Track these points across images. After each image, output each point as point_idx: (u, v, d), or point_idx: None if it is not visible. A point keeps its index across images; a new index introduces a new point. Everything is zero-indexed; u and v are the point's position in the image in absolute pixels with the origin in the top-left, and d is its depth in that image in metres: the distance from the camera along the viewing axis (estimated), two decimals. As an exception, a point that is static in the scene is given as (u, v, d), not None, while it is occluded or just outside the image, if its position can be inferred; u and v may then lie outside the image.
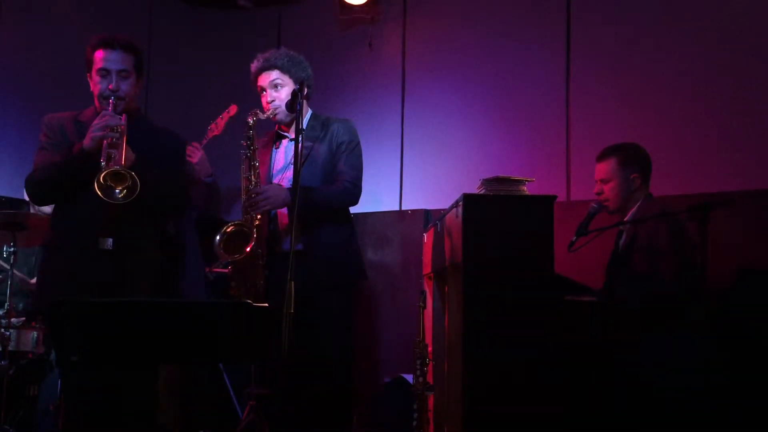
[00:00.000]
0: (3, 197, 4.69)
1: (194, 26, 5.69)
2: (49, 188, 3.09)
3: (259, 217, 3.36)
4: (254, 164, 3.40)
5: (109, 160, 2.89)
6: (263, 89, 3.48)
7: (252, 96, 5.59)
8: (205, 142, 4.45)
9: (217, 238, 3.36)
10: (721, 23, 4.07)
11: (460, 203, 2.95)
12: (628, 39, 4.33)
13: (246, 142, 3.40)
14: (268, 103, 3.45)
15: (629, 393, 3.05)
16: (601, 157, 3.54)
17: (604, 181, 3.51)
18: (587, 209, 3.56)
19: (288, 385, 3.44)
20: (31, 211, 4.35)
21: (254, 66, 3.51)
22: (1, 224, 3.76)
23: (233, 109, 4.51)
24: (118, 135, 2.95)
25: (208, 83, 5.58)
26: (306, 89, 3.40)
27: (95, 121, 2.99)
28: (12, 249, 3.76)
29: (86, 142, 2.97)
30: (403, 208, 4.89)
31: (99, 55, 3.12)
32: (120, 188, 2.87)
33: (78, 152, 2.99)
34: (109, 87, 3.09)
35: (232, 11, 5.65)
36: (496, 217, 2.93)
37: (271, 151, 3.55)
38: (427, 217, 4.63)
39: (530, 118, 4.61)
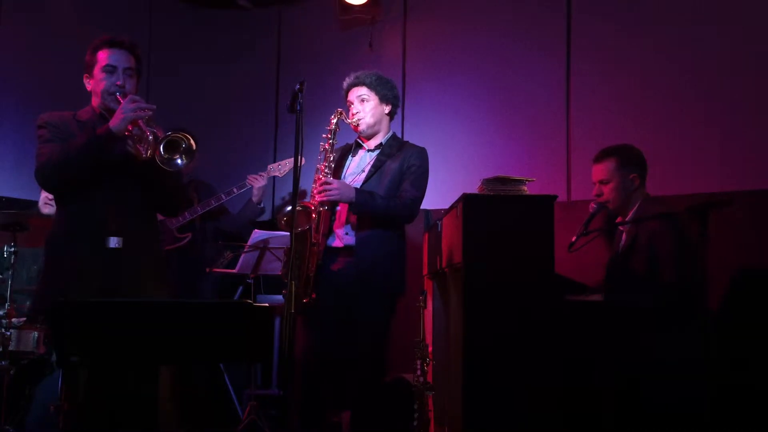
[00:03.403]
0: (3, 197, 4.69)
1: (194, 26, 5.69)
2: (67, 171, 3.00)
3: (326, 207, 3.53)
4: (330, 156, 3.58)
5: (154, 135, 2.88)
6: (351, 103, 3.71)
7: (252, 95, 5.62)
8: (266, 175, 4.68)
9: (284, 217, 3.50)
10: (721, 23, 4.07)
11: (461, 203, 2.95)
12: (628, 39, 4.33)
13: (328, 135, 3.59)
14: (353, 114, 3.68)
15: (630, 393, 3.05)
16: (599, 158, 3.55)
17: (603, 182, 3.51)
18: (587, 209, 3.56)
19: (313, 383, 3.50)
20: (44, 212, 4.36)
21: (346, 82, 3.74)
22: (2, 224, 3.76)
23: (301, 161, 4.78)
24: (151, 113, 2.94)
25: (208, 83, 5.59)
26: (390, 107, 3.70)
27: (122, 105, 2.96)
28: (13, 249, 3.75)
29: (114, 122, 2.93)
30: (404, 208, 4.88)
31: (104, 54, 3.11)
32: (178, 155, 2.89)
33: (104, 132, 2.95)
34: (117, 83, 3.08)
35: (233, 11, 5.66)
36: (496, 217, 2.93)
37: (348, 158, 3.74)
38: (427, 217, 4.62)
39: (531, 118, 4.61)
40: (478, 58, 4.83)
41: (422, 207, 4.62)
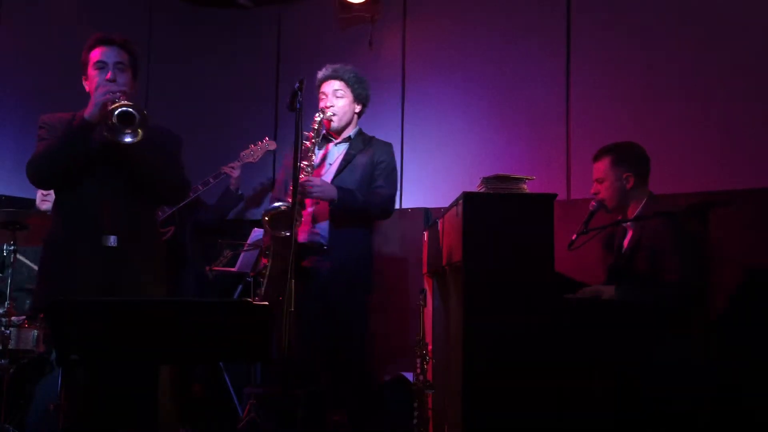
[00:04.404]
0: (3, 196, 4.70)
1: (194, 25, 5.69)
2: (50, 165, 3.02)
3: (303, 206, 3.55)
4: (311, 155, 3.58)
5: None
6: (325, 95, 3.71)
7: (252, 94, 5.62)
8: (239, 164, 4.71)
9: (266, 215, 3.49)
10: (721, 24, 4.06)
11: (460, 201, 2.95)
12: (628, 39, 4.33)
13: (311, 134, 3.59)
14: (327, 107, 3.67)
15: (630, 393, 3.05)
16: (597, 156, 3.55)
17: (599, 181, 3.51)
18: (587, 208, 3.56)
19: (296, 383, 3.51)
20: (42, 208, 4.37)
21: (322, 73, 3.74)
22: (2, 223, 3.76)
23: (272, 145, 4.82)
24: (121, 95, 2.95)
25: (208, 82, 5.59)
26: (361, 107, 3.74)
27: (97, 91, 2.98)
28: (12, 247, 3.76)
29: (88, 110, 2.95)
30: (404, 207, 4.89)
31: (95, 52, 3.12)
32: (130, 131, 2.88)
33: (79, 122, 2.97)
34: (107, 77, 3.09)
35: (232, 10, 5.66)
36: (496, 216, 2.93)
37: (314, 150, 3.74)
38: (427, 215, 4.62)
39: (530, 117, 4.61)
40: (478, 56, 4.82)
41: (422, 205, 4.64)
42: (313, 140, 3.58)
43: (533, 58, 4.63)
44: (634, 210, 3.47)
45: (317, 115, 3.61)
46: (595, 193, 3.53)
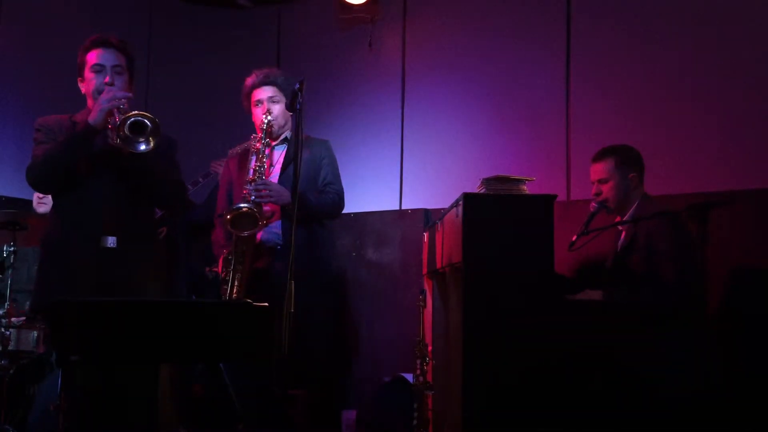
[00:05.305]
0: (3, 197, 4.69)
1: (194, 25, 5.70)
2: (52, 169, 3.03)
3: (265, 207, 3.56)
4: (262, 157, 3.61)
5: (122, 118, 2.89)
6: (260, 102, 3.73)
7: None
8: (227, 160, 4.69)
9: (228, 215, 3.49)
10: (721, 24, 4.06)
11: (460, 202, 2.95)
12: (628, 40, 4.33)
13: (260, 135, 3.63)
14: (265, 113, 3.69)
15: (630, 393, 3.05)
16: (598, 158, 3.55)
17: (602, 182, 3.52)
18: (587, 209, 3.56)
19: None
20: (39, 211, 4.37)
21: (252, 80, 3.75)
22: (2, 224, 3.76)
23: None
24: (126, 102, 2.96)
25: (208, 82, 5.59)
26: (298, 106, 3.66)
27: (102, 97, 2.98)
28: (12, 248, 3.75)
29: (92, 116, 2.95)
30: (403, 208, 4.89)
31: (92, 54, 3.13)
32: (143, 139, 2.88)
33: (83, 127, 2.97)
34: (105, 81, 3.09)
35: (232, 10, 5.66)
36: (496, 217, 2.93)
37: (252, 154, 3.74)
38: (427, 216, 4.63)
39: (530, 118, 4.61)
40: (478, 57, 4.82)
41: (422, 206, 4.63)
42: (263, 141, 3.62)
43: (533, 58, 4.63)
44: (629, 211, 3.48)
45: (264, 117, 3.64)
46: (597, 194, 3.53)
